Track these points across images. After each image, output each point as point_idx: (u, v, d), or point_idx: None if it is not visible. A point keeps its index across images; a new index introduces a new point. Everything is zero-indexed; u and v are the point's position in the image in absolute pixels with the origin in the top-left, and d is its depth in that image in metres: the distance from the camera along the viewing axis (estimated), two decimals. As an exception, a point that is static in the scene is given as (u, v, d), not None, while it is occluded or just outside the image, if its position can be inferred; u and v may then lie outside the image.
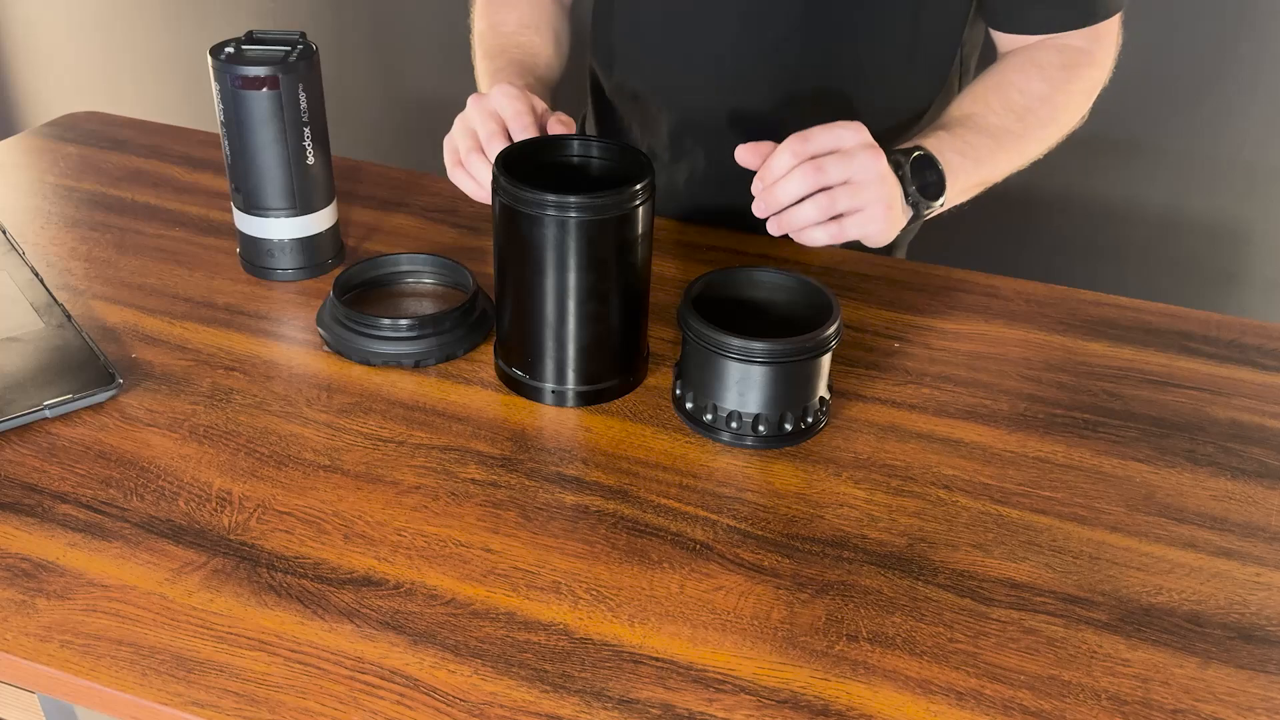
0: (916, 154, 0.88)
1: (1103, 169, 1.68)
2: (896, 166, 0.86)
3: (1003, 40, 1.02)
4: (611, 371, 0.81)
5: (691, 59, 1.04)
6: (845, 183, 0.82)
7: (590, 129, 1.20)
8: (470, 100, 0.89)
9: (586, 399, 0.81)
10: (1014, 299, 0.96)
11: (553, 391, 0.81)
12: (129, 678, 0.59)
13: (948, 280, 0.99)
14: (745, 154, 0.85)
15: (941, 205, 0.89)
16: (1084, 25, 0.97)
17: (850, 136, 0.83)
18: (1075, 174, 1.69)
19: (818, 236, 0.84)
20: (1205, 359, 0.89)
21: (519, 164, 0.79)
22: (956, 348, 0.89)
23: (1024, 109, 0.95)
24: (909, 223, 0.89)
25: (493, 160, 0.81)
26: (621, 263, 0.77)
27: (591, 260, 0.76)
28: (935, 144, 0.89)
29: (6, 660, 0.61)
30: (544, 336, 0.79)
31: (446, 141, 0.90)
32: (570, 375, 0.80)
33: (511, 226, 0.77)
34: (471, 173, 0.88)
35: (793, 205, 0.82)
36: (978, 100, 0.96)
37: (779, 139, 0.83)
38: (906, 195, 0.87)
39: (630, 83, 1.10)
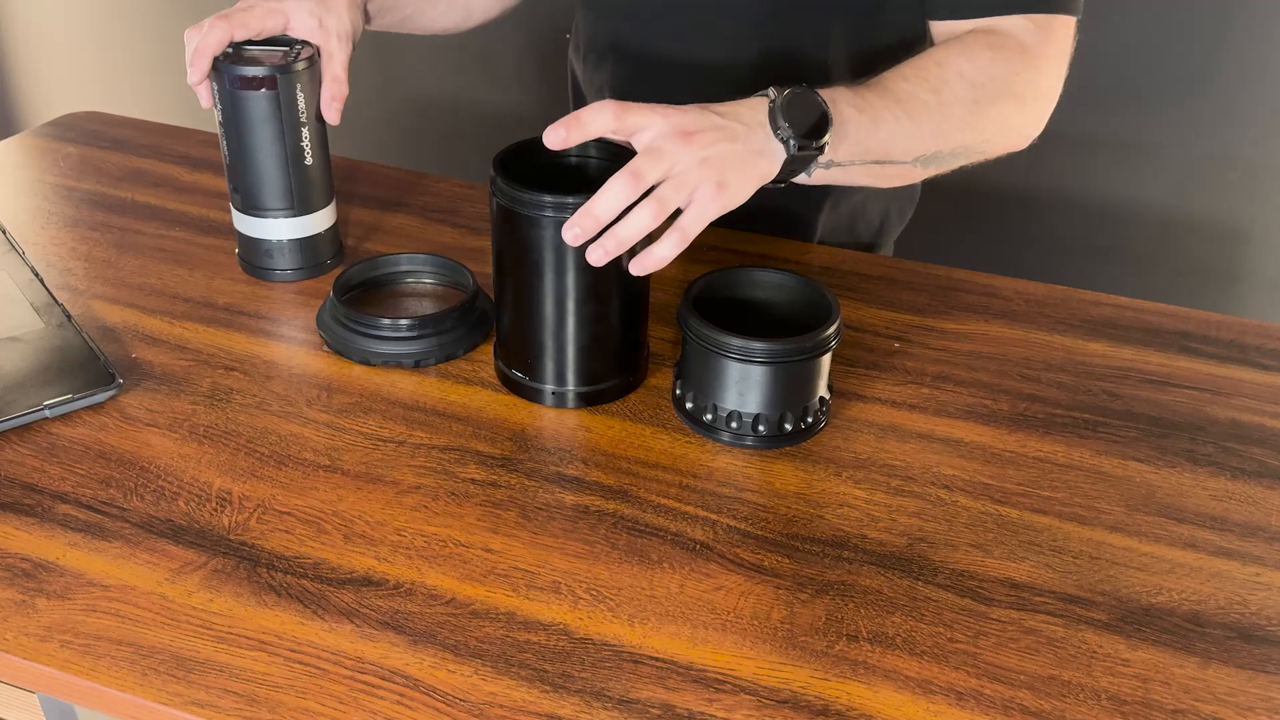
0: (790, 90, 0.78)
1: (1103, 169, 1.68)
2: (771, 103, 0.78)
3: (937, 38, 0.95)
4: (612, 372, 0.81)
5: (653, 56, 1.05)
6: (665, 179, 0.74)
7: None
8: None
9: (587, 400, 0.81)
10: (1014, 299, 0.96)
11: (553, 393, 0.80)
12: (129, 678, 0.59)
13: (948, 280, 0.99)
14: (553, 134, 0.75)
15: (822, 149, 0.78)
16: (1023, 11, 0.89)
17: (651, 131, 0.75)
18: (1075, 174, 1.69)
19: (665, 253, 0.74)
20: (1205, 359, 0.89)
21: (516, 165, 0.79)
22: (956, 348, 0.89)
23: (940, 80, 0.86)
24: (793, 170, 0.79)
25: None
26: (620, 263, 0.77)
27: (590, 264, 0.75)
28: (828, 94, 0.80)
29: (6, 660, 0.61)
30: (544, 338, 0.79)
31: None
32: (570, 376, 0.80)
33: (509, 228, 0.77)
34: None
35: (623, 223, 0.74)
36: (891, 70, 0.87)
37: None
38: (776, 131, 0.77)
39: (597, 77, 1.10)
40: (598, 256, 0.74)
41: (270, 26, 0.89)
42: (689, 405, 0.79)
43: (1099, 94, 1.61)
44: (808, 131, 0.77)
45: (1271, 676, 0.62)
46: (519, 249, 0.76)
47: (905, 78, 0.86)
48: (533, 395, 0.81)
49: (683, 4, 1.02)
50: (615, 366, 0.81)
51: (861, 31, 1.00)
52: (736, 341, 0.74)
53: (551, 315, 0.78)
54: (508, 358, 0.82)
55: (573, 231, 0.73)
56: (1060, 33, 0.90)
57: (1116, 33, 1.57)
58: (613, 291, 0.78)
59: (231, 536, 0.69)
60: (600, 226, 0.73)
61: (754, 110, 0.78)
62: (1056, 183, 1.70)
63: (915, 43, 1.00)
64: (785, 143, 0.77)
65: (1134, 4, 1.55)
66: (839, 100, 0.80)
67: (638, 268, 0.75)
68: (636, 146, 0.76)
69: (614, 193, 0.73)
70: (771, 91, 0.78)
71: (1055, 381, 0.86)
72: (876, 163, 0.84)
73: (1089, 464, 0.77)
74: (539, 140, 0.81)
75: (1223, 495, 0.75)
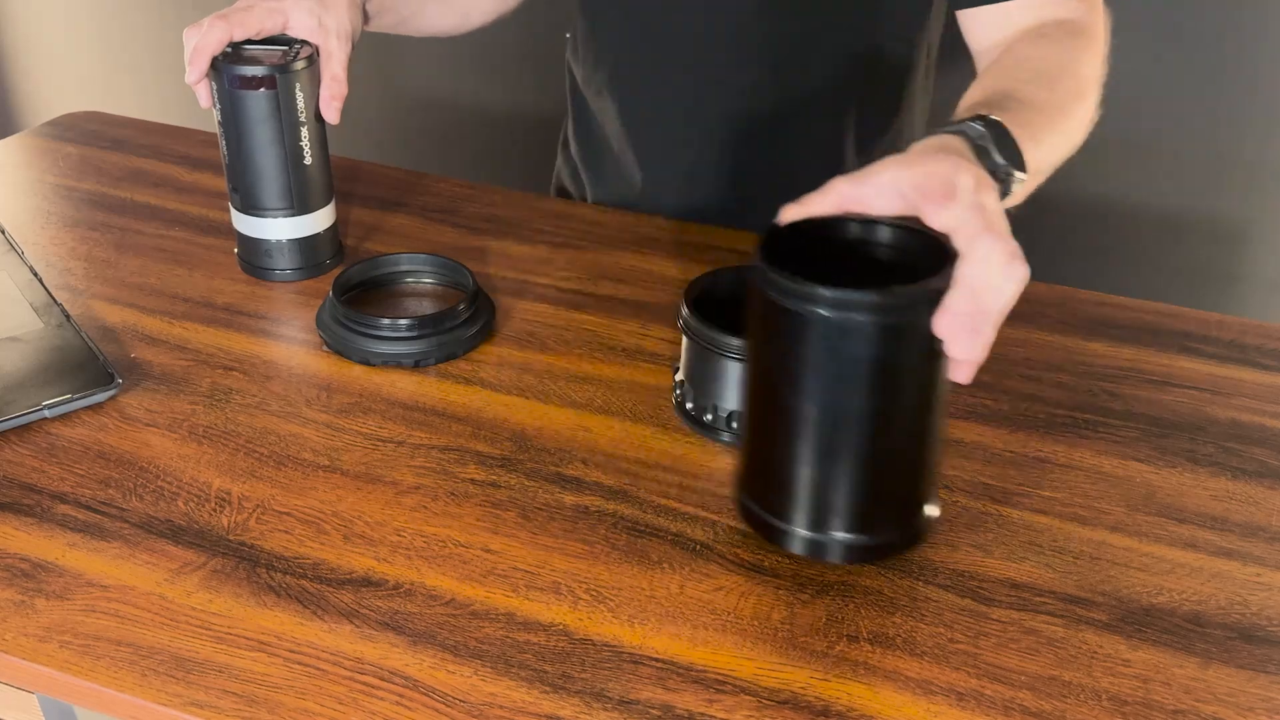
0: (987, 120, 0.69)
1: (1103, 169, 1.67)
2: (977, 138, 0.68)
3: (977, 29, 0.90)
4: (900, 521, 0.65)
5: (652, 55, 1.05)
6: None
7: (569, 128, 1.20)
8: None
9: (861, 554, 0.65)
10: (1014, 299, 0.96)
11: (813, 541, 0.64)
12: (128, 678, 0.59)
13: (948, 280, 0.98)
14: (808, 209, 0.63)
15: (1020, 181, 0.69)
16: None
17: (963, 186, 0.61)
18: (1075, 174, 1.69)
19: (991, 337, 0.61)
20: (1205, 359, 0.89)
21: (777, 254, 0.61)
22: (956, 348, 0.89)
23: (1048, 76, 0.79)
24: None
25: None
26: (924, 377, 0.61)
27: (896, 377, 0.61)
28: (996, 115, 0.71)
29: (6, 660, 0.61)
30: (822, 474, 0.63)
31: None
32: (841, 521, 0.64)
33: (783, 330, 0.60)
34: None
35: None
36: (1000, 78, 0.78)
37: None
38: (995, 169, 0.67)
39: (596, 78, 1.11)
40: (977, 348, 0.59)
41: (269, 26, 0.89)
42: (689, 405, 0.79)
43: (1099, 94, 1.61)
44: (1017, 163, 0.68)
45: (1272, 677, 0.62)
46: (821, 363, 0.59)
47: (1025, 80, 0.77)
48: (785, 540, 0.65)
49: (680, 3, 1.02)
50: (904, 513, 0.65)
51: (861, 30, 1.00)
52: (736, 341, 0.74)
53: (847, 445, 0.61)
54: (762, 493, 0.66)
55: (950, 319, 0.58)
56: (1103, 13, 0.89)
57: (1116, 33, 1.57)
58: (915, 413, 0.62)
59: (231, 537, 0.69)
60: (980, 305, 0.58)
61: (963, 150, 0.67)
62: (1057, 183, 1.70)
63: (914, 38, 1.01)
64: (1003, 181, 0.67)
65: (1134, 4, 1.55)
66: (1004, 121, 0.70)
67: (967, 372, 0.61)
68: (956, 203, 0.60)
69: (990, 259, 0.58)
70: (971, 126, 0.68)
71: (1055, 381, 0.86)
72: (1035, 182, 0.74)
73: (1089, 464, 0.77)
74: (799, 225, 0.64)
75: (1223, 495, 0.75)
